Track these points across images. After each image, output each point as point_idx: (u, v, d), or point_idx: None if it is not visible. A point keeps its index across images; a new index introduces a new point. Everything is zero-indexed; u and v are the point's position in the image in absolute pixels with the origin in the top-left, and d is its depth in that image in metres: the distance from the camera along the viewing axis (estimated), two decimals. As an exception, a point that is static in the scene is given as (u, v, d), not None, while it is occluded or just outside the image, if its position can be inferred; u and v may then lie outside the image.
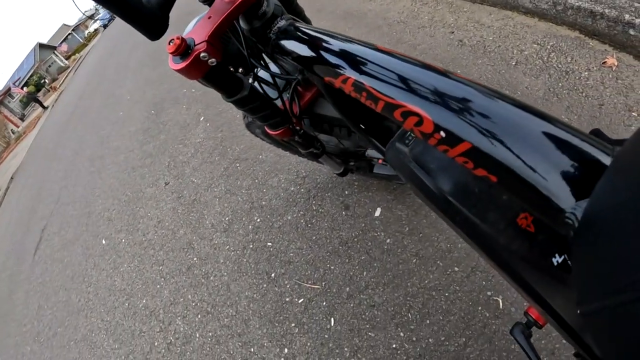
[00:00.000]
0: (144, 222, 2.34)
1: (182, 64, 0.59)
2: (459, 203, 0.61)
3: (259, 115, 0.83)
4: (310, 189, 1.83)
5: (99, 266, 2.50)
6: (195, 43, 0.60)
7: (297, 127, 0.94)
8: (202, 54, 0.60)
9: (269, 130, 0.91)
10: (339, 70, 0.54)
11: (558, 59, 1.83)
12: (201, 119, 2.95)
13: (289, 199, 1.86)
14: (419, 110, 0.44)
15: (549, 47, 1.90)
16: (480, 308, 1.21)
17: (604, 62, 1.75)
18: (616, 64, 1.72)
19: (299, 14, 0.89)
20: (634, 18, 1.66)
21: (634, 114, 1.50)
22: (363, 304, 1.37)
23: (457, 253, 1.33)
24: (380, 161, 1.41)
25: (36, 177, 6.10)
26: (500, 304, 1.20)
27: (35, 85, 27.41)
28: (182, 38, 0.59)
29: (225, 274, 1.77)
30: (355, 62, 0.52)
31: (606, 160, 0.35)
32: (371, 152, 1.37)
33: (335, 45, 0.57)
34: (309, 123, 1.02)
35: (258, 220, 1.87)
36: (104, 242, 2.67)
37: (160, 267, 2.06)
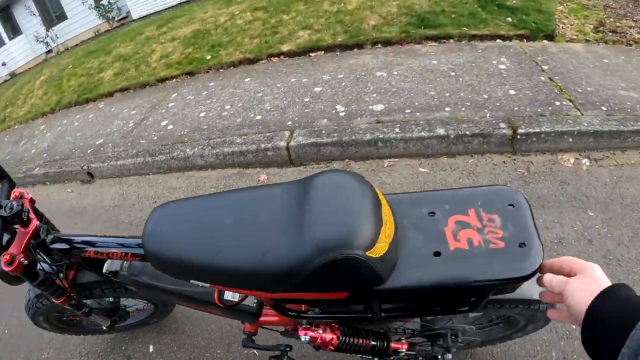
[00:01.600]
0: None
1: (12, 267, 1.01)
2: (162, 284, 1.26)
3: (50, 290, 1.23)
4: (95, 358, 2.06)
5: None
6: (16, 255, 1.04)
7: (72, 294, 1.35)
8: (21, 260, 1.04)
9: (55, 300, 1.29)
10: (88, 249, 1.13)
11: (230, 191, 2.84)
12: None
13: (78, 374, 2.01)
14: (129, 252, 1.09)
15: (221, 186, 2.92)
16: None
17: (259, 179, 2.84)
18: (267, 177, 2.85)
19: (47, 222, 1.34)
20: (269, 153, 2.83)
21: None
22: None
23: (213, 342, 1.92)
24: (134, 311, 1.92)
25: None
26: (257, 352, 1.82)
27: None
28: (10, 254, 1.02)
29: None
30: (96, 244, 1.14)
31: None
32: (125, 302, 1.82)
33: (86, 240, 1.16)
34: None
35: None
36: None
37: None
